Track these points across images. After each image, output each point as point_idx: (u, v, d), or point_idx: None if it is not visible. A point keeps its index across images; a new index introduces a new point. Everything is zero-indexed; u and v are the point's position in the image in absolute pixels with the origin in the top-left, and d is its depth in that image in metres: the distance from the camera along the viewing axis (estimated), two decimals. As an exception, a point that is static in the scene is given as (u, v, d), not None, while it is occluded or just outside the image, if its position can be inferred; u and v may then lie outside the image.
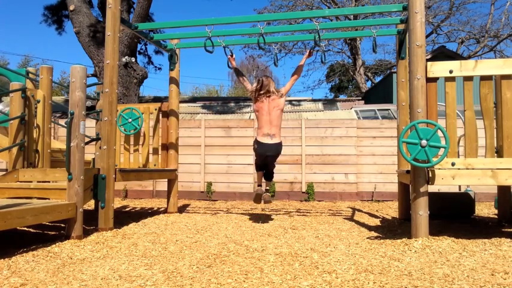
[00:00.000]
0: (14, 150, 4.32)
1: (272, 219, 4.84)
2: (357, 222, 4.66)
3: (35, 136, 4.54)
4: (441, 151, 3.22)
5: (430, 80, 3.44)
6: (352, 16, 15.36)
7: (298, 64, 4.68)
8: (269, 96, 4.39)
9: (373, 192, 7.49)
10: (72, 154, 3.48)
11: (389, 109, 9.89)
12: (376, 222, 4.75)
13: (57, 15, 14.02)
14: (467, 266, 2.52)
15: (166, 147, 5.47)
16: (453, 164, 3.38)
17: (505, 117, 3.44)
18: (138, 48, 14.16)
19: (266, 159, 4.46)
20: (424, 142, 3.20)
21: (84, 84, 3.63)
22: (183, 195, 7.65)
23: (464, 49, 20.13)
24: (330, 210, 6.07)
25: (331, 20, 11.95)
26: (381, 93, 15.34)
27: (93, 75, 10.62)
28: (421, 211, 3.28)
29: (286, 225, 4.38)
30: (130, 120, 5.29)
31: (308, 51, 4.76)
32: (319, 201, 7.46)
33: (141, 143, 5.49)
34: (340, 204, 6.89)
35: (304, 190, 7.61)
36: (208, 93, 31.15)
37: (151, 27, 5.66)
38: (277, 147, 4.40)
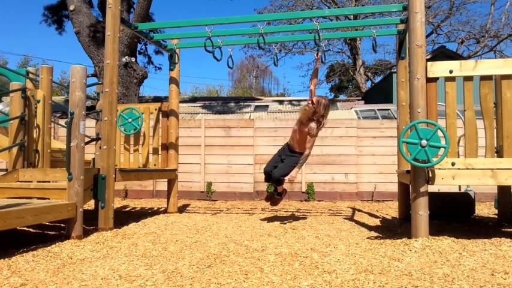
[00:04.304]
0: (14, 150, 4.32)
1: (272, 219, 4.84)
2: (357, 222, 4.66)
3: (35, 136, 4.54)
4: (441, 151, 3.22)
5: (430, 80, 3.44)
6: (352, 16, 15.36)
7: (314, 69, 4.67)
8: None
9: (373, 192, 7.49)
10: (72, 154, 3.48)
11: (389, 109, 9.90)
12: (376, 222, 4.75)
13: (57, 15, 14.04)
14: (467, 266, 2.52)
15: (166, 147, 5.47)
16: (453, 164, 3.38)
17: (505, 117, 3.44)
18: (138, 48, 14.18)
19: None
20: (424, 142, 3.20)
21: (84, 84, 3.63)
22: (183, 195, 7.65)
23: (464, 49, 20.16)
24: (330, 210, 6.07)
25: (331, 20, 11.95)
26: (381, 93, 15.34)
27: (93, 75, 10.62)
28: (421, 211, 3.28)
29: (286, 225, 4.39)
30: (130, 120, 5.29)
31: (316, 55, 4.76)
32: (319, 201, 7.46)
33: (141, 143, 5.49)
34: (340, 204, 6.89)
35: (304, 190, 7.61)
36: (208, 93, 31.13)
37: (151, 27, 5.65)
38: None
